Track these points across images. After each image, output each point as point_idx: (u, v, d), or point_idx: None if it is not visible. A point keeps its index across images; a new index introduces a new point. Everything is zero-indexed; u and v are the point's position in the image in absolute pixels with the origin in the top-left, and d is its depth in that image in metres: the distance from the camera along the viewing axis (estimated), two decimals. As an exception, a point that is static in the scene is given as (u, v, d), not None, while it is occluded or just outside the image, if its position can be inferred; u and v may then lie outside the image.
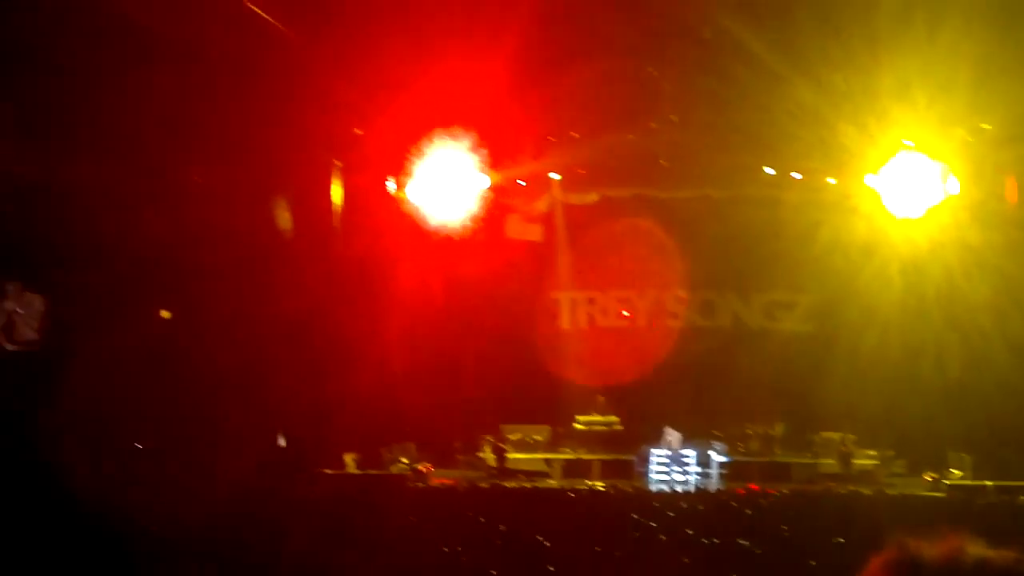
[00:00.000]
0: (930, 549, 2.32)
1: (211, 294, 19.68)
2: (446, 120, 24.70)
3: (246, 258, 20.67)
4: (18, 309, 16.22)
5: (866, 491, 22.65)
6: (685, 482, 24.59)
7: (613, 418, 26.96)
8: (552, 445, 26.98)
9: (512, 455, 26.09)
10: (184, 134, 18.64)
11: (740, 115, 24.62)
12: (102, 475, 14.32)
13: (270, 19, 19.02)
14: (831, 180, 26.71)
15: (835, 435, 26.15)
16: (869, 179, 25.66)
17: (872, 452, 25.62)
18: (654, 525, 16.60)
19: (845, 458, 25.26)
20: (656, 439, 25.52)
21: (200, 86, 18.70)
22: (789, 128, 23.97)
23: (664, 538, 15.57)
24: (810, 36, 20.57)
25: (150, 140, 17.90)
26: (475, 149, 25.44)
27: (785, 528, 16.39)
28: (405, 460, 25.16)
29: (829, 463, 25.68)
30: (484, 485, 23.15)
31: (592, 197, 28.28)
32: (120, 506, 13.04)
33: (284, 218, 22.86)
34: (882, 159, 25.06)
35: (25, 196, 16.16)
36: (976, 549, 2.39)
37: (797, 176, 26.97)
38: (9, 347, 16.42)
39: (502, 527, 15.32)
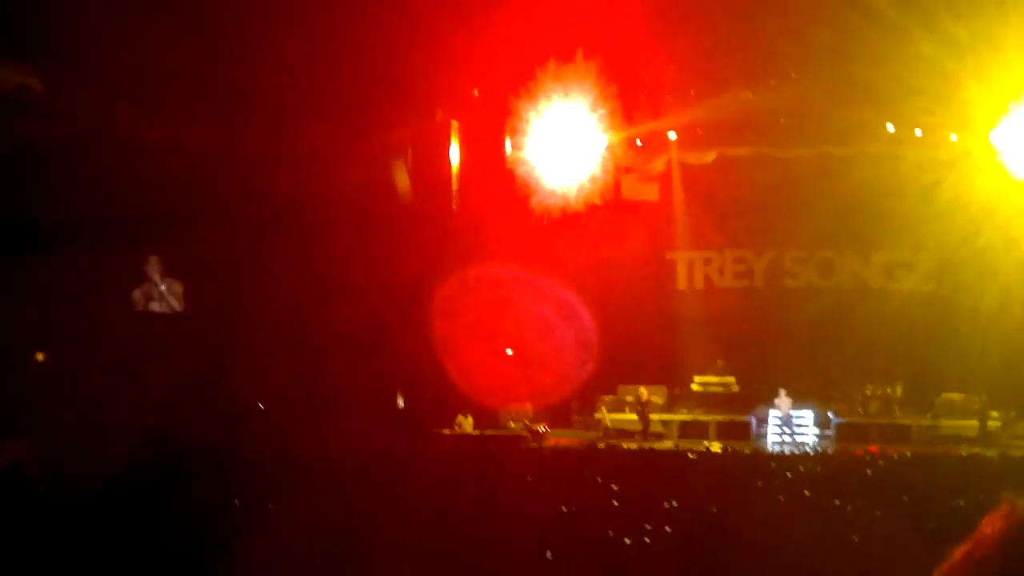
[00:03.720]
0: None
1: (333, 255, 19.92)
2: (563, 80, 24.67)
3: (366, 219, 20.88)
4: (161, 290, 16.60)
5: (989, 453, 22.32)
6: (803, 443, 24.44)
7: (730, 379, 26.86)
8: (669, 406, 26.97)
9: (626, 416, 26.14)
10: (305, 97, 18.82)
11: (860, 71, 24.14)
12: (226, 434, 14.62)
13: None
14: (953, 136, 26.18)
15: (956, 396, 25.82)
16: (992, 136, 25.13)
17: (995, 413, 25.21)
18: (771, 487, 16.52)
19: (980, 420, 24.90)
20: (774, 400, 25.40)
21: (321, 49, 18.87)
22: (910, 83, 23.46)
23: (782, 499, 15.48)
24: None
25: (273, 104, 18.11)
26: (592, 109, 25.39)
27: (905, 490, 16.21)
28: (522, 421, 25.33)
29: (950, 424, 25.36)
30: (601, 445, 23.18)
31: (710, 156, 28.08)
32: (243, 465, 13.31)
33: (403, 179, 23.03)
34: (1005, 115, 24.50)
35: (154, 162, 16.46)
36: None
37: (918, 132, 26.50)
38: (155, 309, 16.81)
39: (616, 487, 15.33)
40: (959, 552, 2.14)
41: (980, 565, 2.08)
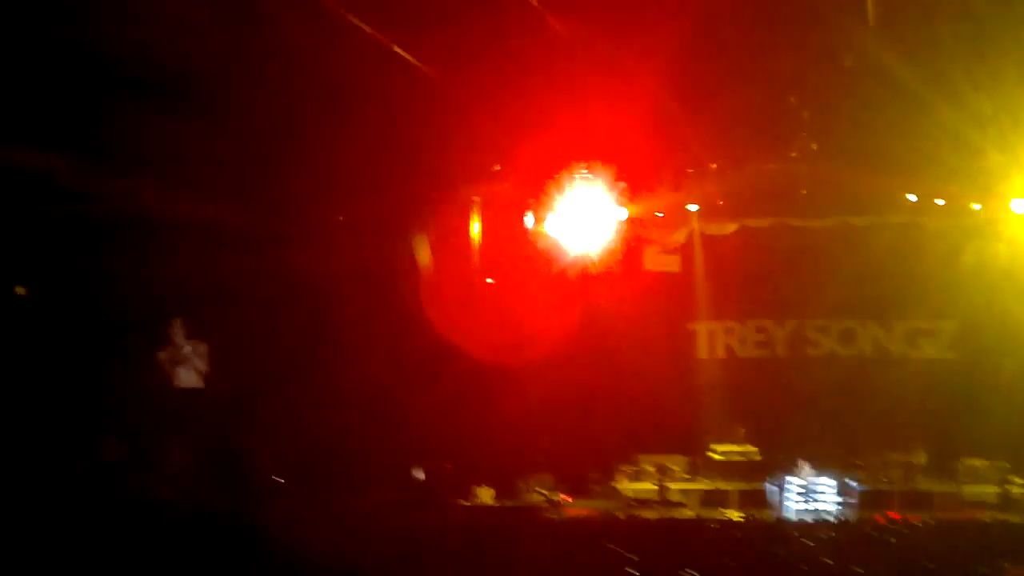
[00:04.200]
0: None
1: (354, 328, 20.12)
2: (584, 153, 24.95)
3: (388, 293, 21.10)
4: (185, 353, 16.79)
5: (1013, 519, 22.28)
6: (824, 511, 24.40)
7: (751, 448, 26.83)
8: (689, 475, 26.99)
9: (646, 486, 26.17)
10: (327, 172, 19.11)
11: (881, 141, 24.34)
12: (243, 507, 14.74)
13: (412, 58, 19.43)
14: (975, 206, 26.32)
15: (980, 462, 25.77)
16: (1014, 204, 25.26)
17: (1019, 480, 25.13)
18: (793, 555, 16.57)
19: (1001, 487, 24.84)
20: (794, 468, 25.38)
21: (341, 124, 19.17)
22: (932, 153, 23.69)
23: (805, 568, 15.55)
24: (956, 60, 20.38)
25: (292, 181, 18.39)
26: (613, 182, 25.66)
27: (928, 557, 16.24)
28: (541, 491, 25.36)
29: (974, 491, 25.29)
30: (620, 515, 23.21)
31: (731, 227, 28.26)
32: (259, 538, 13.44)
33: (424, 254, 23.26)
34: (1027, 183, 24.66)
35: (179, 238, 16.72)
36: None
37: (940, 202, 26.65)
38: (181, 375, 17.00)
39: (635, 557, 15.42)
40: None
41: None
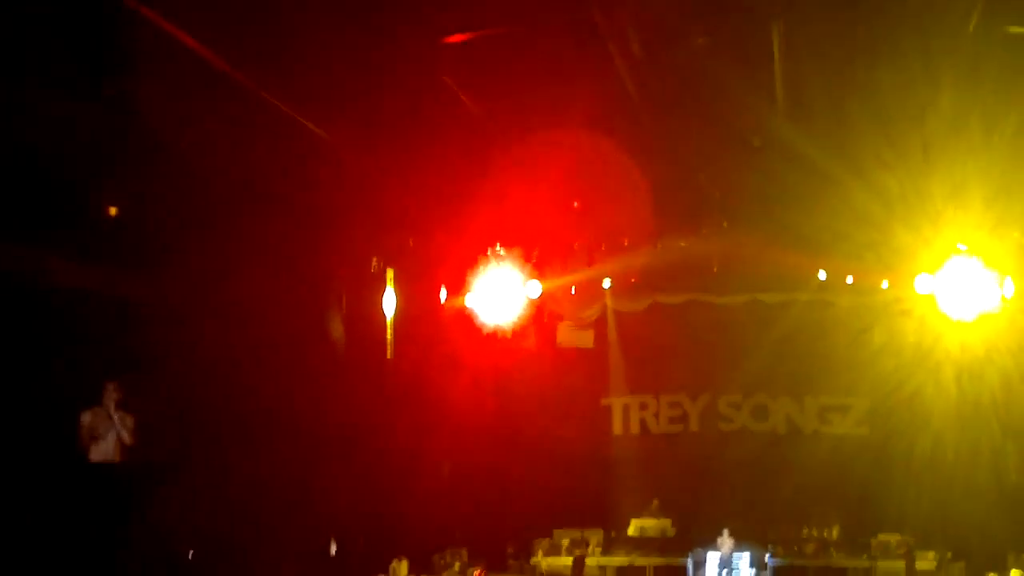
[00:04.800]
0: None
1: (266, 403, 19.90)
2: (498, 229, 25.04)
3: (301, 368, 20.90)
4: (114, 420, 16.50)
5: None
6: (740, 586, 24.45)
7: (667, 521, 26.92)
8: (605, 549, 26.94)
9: (562, 560, 26.09)
10: (235, 246, 18.97)
11: (792, 218, 24.59)
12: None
13: (322, 133, 19.41)
14: (884, 284, 26.65)
15: (893, 537, 25.97)
16: (922, 282, 25.58)
17: (930, 554, 25.31)
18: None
19: (907, 561, 24.98)
20: (710, 543, 25.44)
21: (252, 197, 19.07)
22: (841, 230, 23.97)
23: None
24: (863, 139, 20.61)
25: (202, 253, 18.23)
26: (526, 258, 25.78)
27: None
28: (457, 566, 25.19)
29: (887, 565, 25.46)
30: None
31: (644, 303, 28.50)
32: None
33: (337, 328, 23.13)
34: (936, 262, 24.93)
35: (91, 308, 16.49)
36: None
37: (849, 280, 26.97)
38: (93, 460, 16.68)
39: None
40: None
41: None
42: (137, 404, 17.18)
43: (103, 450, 16.70)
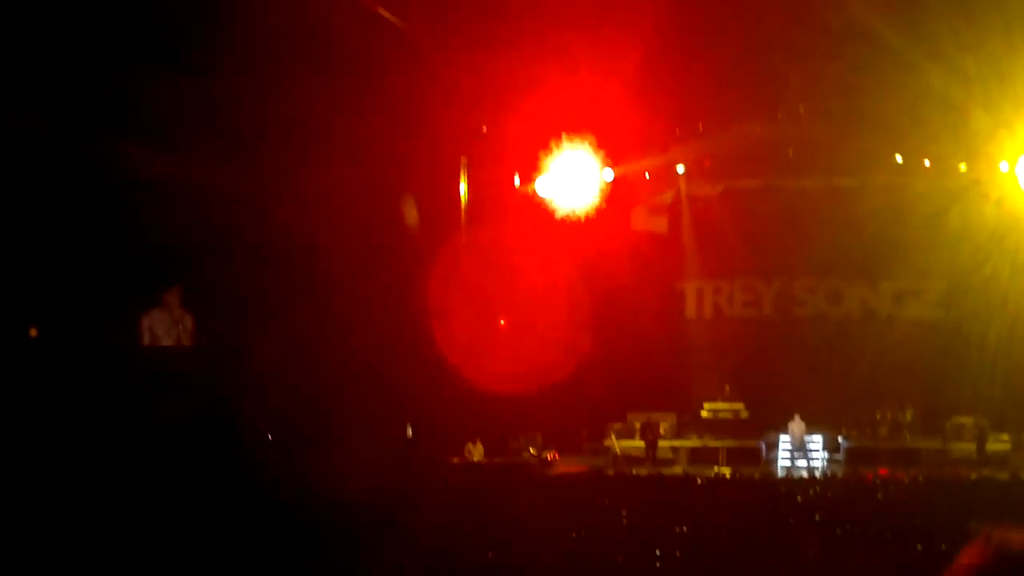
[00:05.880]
0: (1017, 538, 2.32)
1: (343, 290, 20.15)
2: (572, 115, 24.96)
3: (376, 254, 21.13)
4: (173, 323, 16.70)
5: (1000, 476, 22.44)
6: (812, 468, 24.61)
7: (739, 405, 27.06)
8: (679, 432, 27.19)
9: (635, 443, 26.38)
10: (314, 134, 19.12)
11: (868, 102, 24.38)
12: (233, 468, 14.79)
13: (397, 20, 19.44)
14: (962, 166, 26.41)
15: (967, 420, 26.00)
16: (1001, 166, 25.34)
17: (1005, 436, 25.35)
18: (781, 511, 16.65)
19: (978, 443, 25.04)
20: (783, 426, 25.60)
21: (330, 86, 19.17)
22: (919, 114, 23.72)
23: (793, 523, 15.62)
24: (941, 20, 20.36)
25: (282, 141, 18.40)
26: (601, 143, 25.71)
27: (916, 514, 16.32)
28: (532, 449, 25.54)
29: (960, 448, 25.54)
30: (610, 472, 23.39)
31: (718, 188, 28.40)
32: (251, 498, 13.52)
33: (412, 215, 23.30)
34: (1015, 145, 24.69)
35: (164, 200, 16.70)
36: None
37: (926, 162, 26.74)
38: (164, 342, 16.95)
39: (625, 513, 15.53)
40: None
41: None
42: (210, 293, 17.46)
43: (173, 338, 16.97)
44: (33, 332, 17.17)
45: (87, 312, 16.48)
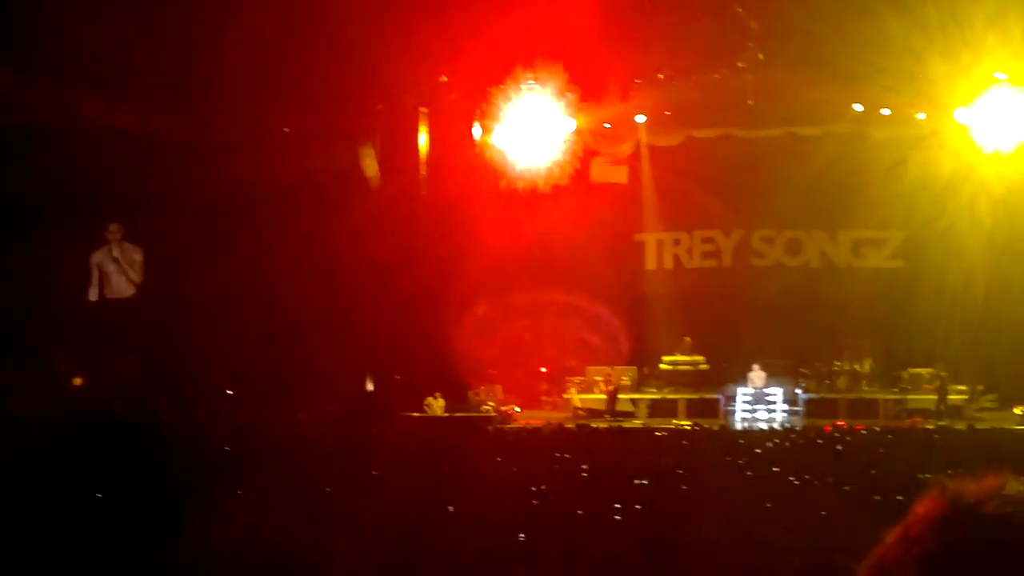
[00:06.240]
0: (973, 489, 2.29)
1: (299, 240, 19.99)
2: (531, 64, 24.74)
3: (334, 204, 20.94)
4: (119, 258, 16.49)
5: (957, 426, 22.52)
6: (771, 420, 24.67)
7: (699, 358, 27.08)
8: (638, 385, 27.19)
9: (595, 396, 26.36)
10: (271, 83, 18.89)
11: (827, 51, 24.29)
12: (193, 419, 14.68)
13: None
14: (920, 115, 26.34)
15: (923, 371, 26.12)
16: (959, 114, 25.28)
17: (961, 387, 25.47)
18: (740, 463, 16.65)
19: (940, 394, 25.14)
20: (742, 378, 25.64)
21: (286, 36, 18.92)
22: (878, 62, 23.56)
23: (752, 475, 15.62)
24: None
25: (238, 90, 18.16)
26: (560, 93, 25.49)
27: (873, 465, 16.35)
28: (491, 403, 25.49)
29: (917, 399, 25.66)
30: (570, 425, 23.34)
31: (678, 138, 28.27)
32: (209, 449, 13.39)
33: (371, 165, 23.09)
34: (973, 93, 24.62)
35: (119, 146, 16.48)
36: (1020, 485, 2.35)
37: (885, 112, 26.67)
38: (107, 296, 16.74)
39: (585, 466, 15.48)
40: (893, 533, 2.24)
41: (912, 546, 2.17)
42: (164, 242, 17.24)
43: (115, 288, 16.79)
44: None
45: (36, 260, 16.25)
